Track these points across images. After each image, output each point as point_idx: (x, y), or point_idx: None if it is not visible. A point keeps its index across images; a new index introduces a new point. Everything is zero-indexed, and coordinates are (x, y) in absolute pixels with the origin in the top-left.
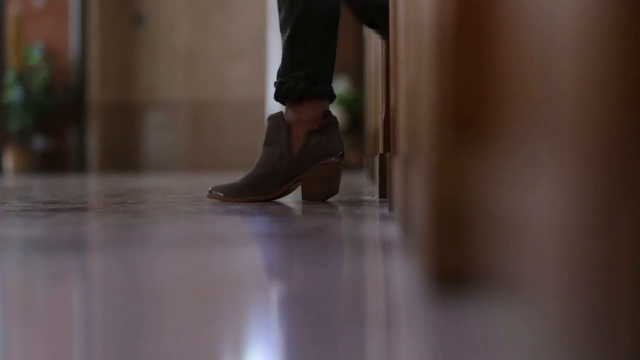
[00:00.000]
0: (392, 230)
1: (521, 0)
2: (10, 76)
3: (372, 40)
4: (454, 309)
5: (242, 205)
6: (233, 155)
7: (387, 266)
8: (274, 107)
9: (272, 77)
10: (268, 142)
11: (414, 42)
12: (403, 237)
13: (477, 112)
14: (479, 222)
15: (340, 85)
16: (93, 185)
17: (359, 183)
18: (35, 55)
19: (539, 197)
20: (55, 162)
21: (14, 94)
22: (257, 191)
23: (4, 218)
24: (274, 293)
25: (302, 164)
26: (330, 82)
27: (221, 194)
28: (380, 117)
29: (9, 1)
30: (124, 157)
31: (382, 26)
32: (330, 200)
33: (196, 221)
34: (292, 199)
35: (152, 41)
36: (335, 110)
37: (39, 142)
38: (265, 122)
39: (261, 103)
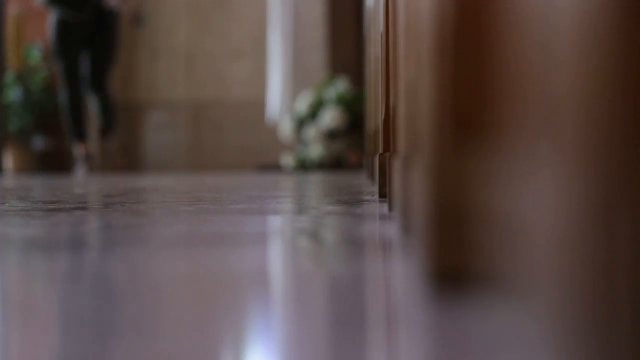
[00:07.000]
0: (392, 230)
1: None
2: (10, 76)
3: (372, 40)
4: (454, 309)
5: (242, 205)
6: (233, 155)
7: (387, 266)
8: (274, 107)
9: (272, 77)
10: None
11: (414, 42)
12: (403, 237)
13: (477, 112)
14: (479, 222)
15: (340, 85)
16: (93, 185)
17: (359, 183)
18: (35, 55)
19: (539, 197)
20: (55, 162)
21: (14, 94)
22: None
23: (4, 218)
24: (274, 293)
25: None
26: None
27: None
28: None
29: (9, 1)
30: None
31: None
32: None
33: (196, 221)
34: (293, 199)
35: (152, 41)
36: (335, 110)
37: (39, 142)
38: (266, 122)
39: (261, 103)
